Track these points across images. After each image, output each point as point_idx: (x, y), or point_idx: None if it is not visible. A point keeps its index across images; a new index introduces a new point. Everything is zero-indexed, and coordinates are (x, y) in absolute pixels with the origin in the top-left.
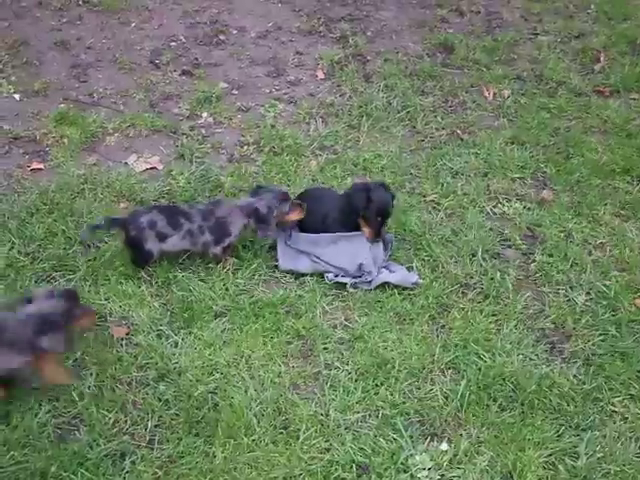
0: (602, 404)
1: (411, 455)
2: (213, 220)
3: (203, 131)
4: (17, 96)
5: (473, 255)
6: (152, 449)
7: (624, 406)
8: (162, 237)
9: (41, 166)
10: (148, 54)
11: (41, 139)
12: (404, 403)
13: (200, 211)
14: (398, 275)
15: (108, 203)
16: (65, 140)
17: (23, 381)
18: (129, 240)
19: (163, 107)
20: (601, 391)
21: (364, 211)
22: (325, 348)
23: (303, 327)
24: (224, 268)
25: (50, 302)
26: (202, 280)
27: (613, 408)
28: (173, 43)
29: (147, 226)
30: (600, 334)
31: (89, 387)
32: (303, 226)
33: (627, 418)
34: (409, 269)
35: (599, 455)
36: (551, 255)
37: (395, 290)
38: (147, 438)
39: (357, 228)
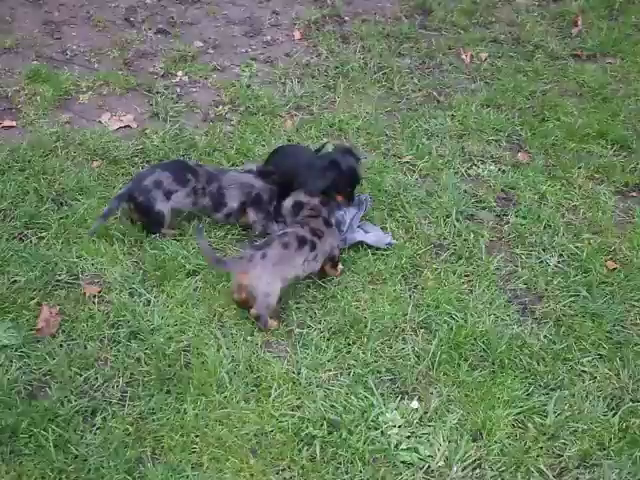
0: (571, 364)
1: (382, 413)
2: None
3: (178, 90)
4: None
5: (447, 216)
6: (123, 406)
7: (593, 366)
8: (169, 194)
9: (13, 123)
10: (123, 12)
11: (13, 96)
12: (376, 362)
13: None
14: (373, 236)
15: (81, 161)
16: (37, 98)
17: None
18: (139, 207)
19: (138, 65)
20: (571, 351)
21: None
22: (298, 307)
23: None
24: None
25: None
26: (175, 239)
27: (582, 368)
28: (148, 1)
29: (153, 187)
30: (571, 295)
31: (60, 345)
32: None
33: (596, 377)
34: (383, 230)
35: (567, 413)
36: (525, 217)
37: (368, 250)
38: (118, 395)
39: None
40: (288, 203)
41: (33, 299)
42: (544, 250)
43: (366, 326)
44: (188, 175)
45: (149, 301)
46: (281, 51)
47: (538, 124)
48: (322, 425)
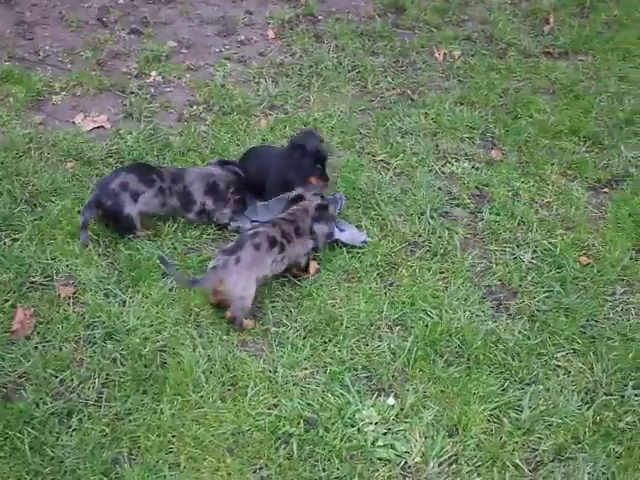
0: (546, 359)
1: (358, 410)
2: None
3: (152, 90)
4: None
5: (422, 214)
6: (99, 407)
7: (567, 360)
8: (136, 196)
9: None
10: (95, 12)
11: None
12: (352, 359)
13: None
14: (348, 234)
15: (55, 163)
16: (10, 99)
17: None
18: (107, 211)
19: (111, 66)
20: (545, 346)
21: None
22: (273, 306)
23: None
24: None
25: None
26: (149, 239)
27: (557, 363)
28: (121, 1)
29: (120, 190)
30: (545, 291)
31: (35, 346)
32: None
33: (570, 372)
34: (358, 228)
35: (542, 408)
36: (498, 214)
37: (344, 248)
38: (94, 396)
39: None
40: (291, 194)
41: (7, 301)
42: (518, 246)
43: (342, 324)
44: (153, 176)
45: (124, 302)
46: (255, 50)
47: (511, 121)
48: (299, 423)
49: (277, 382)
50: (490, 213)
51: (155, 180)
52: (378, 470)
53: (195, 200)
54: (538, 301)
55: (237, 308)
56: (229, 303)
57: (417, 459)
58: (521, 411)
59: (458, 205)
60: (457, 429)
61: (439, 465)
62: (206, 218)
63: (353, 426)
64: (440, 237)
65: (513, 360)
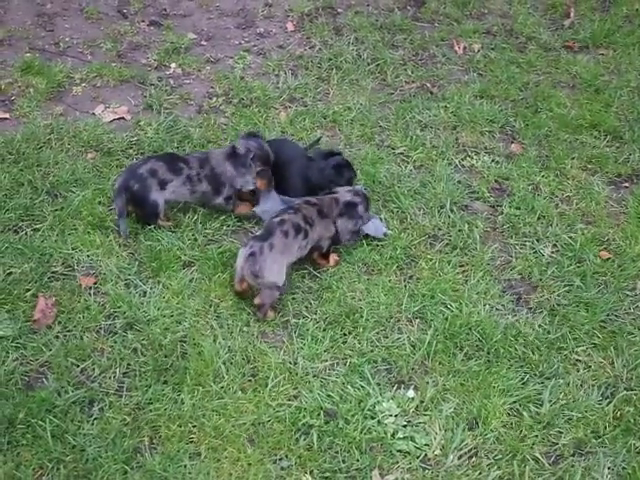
0: (566, 353)
1: (378, 402)
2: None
3: (171, 82)
4: None
5: (441, 207)
6: (120, 396)
7: (587, 355)
8: (164, 184)
9: (6, 116)
10: (115, 4)
11: (6, 89)
12: (372, 351)
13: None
14: (371, 224)
15: (75, 153)
16: (31, 90)
17: None
18: (134, 195)
19: (131, 57)
20: (565, 340)
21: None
22: (294, 297)
23: None
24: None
25: None
26: (170, 230)
27: (577, 357)
28: None
29: (149, 175)
30: (565, 285)
31: (57, 336)
32: None
33: (590, 366)
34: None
35: (562, 402)
36: (518, 208)
37: (364, 241)
38: (115, 386)
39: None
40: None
41: (29, 290)
42: (538, 240)
43: (362, 316)
44: (180, 164)
45: (145, 292)
46: (274, 43)
47: (531, 115)
48: (319, 414)
49: (297, 374)
50: (510, 207)
51: (182, 168)
52: (398, 462)
53: (224, 182)
54: (558, 295)
55: (267, 295)
56: (258, 290)
57: (437, 452)
58: (541, 405)
59: (478, 199)
60: (477, 422)
61: (459, 458)
62: (232, 205)
63: (373, 418)
64: (460, 230)
65: (533, 354)
